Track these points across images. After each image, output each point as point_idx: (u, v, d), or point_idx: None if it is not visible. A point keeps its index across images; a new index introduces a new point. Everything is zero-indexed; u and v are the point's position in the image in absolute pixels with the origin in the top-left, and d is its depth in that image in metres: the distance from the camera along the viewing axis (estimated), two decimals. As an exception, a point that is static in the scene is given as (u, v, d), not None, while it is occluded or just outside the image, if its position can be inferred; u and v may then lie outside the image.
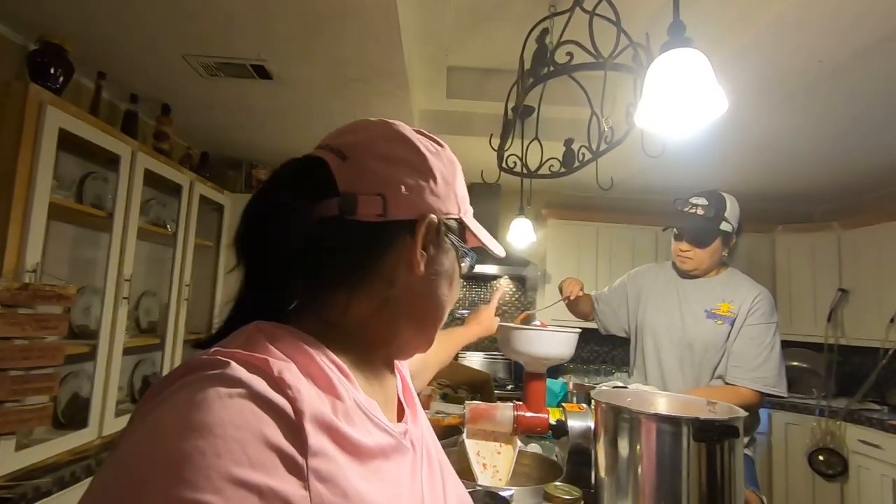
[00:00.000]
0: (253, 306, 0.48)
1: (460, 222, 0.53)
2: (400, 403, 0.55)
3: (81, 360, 1.89)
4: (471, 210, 0.56)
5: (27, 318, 1.42)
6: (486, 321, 1.29)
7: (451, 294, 0.53)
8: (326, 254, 0.46)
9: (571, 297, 1.83)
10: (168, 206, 2.49)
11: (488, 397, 1.66)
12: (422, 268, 0.48)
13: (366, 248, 0.47)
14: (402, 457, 0.46)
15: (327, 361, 0.43)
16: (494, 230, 3.55)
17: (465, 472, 1.18)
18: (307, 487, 0.34)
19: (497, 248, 0.59)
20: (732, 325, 1.56)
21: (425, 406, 1.60)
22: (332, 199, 0.46)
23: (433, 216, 0.48)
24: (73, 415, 1.85)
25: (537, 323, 1.34)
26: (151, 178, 2.17)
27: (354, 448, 0.39)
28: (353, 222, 0.46)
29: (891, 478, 2.50)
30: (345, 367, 0.44)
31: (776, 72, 1.82)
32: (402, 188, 0.47)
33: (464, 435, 1.20)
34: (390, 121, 0.52)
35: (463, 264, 0.54)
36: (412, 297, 0.49)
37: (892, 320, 2.82)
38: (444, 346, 1.12)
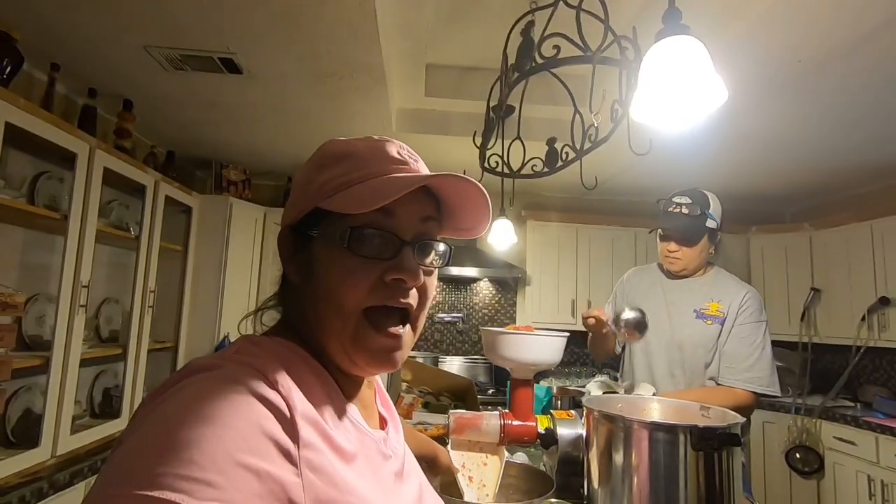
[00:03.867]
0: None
1: (316, 211, 0.48)
2: (380, 414, 0.58)
3: (34, 374, 1.75)
4: (349, 186, 0.47)
5: (-33, 330, 1.29)
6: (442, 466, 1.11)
7: (342, 283, 0.46)
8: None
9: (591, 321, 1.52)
10: (131, 208, 2.36)
11: (472, 404, 1.60)
12: (292, 276, 0.51)
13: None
14: (383, 461, 0.49)
15: (311, 367, 0.46)
16: (474, 232, 3.49)
17: (450, 486, 1.12)
18: (299, 475, 0.38)
19: (381, 192, 0.45)
20: (722, 325, 1.53)
21: (407, 415, 1.54)
22: None
23: (283, 230, 0.52)
24: (25, 433, 1.71)
25: None
26: (112, 178, 2.04)
27: (338, 448, 0.42)
28: None
29: (865, 473, 2.55)
30: (326, 373, 0.48)
31: (757, 70, 1.82)
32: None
33: (448, 446, 1.14)
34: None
35: (343, 242, 0.46)
36: (312, 305, 0.49)
37: (862, 318, 2.88)
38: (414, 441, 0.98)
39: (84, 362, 1.88)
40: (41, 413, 1.68)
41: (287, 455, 0.37)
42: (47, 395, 1.67)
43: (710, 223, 1.57)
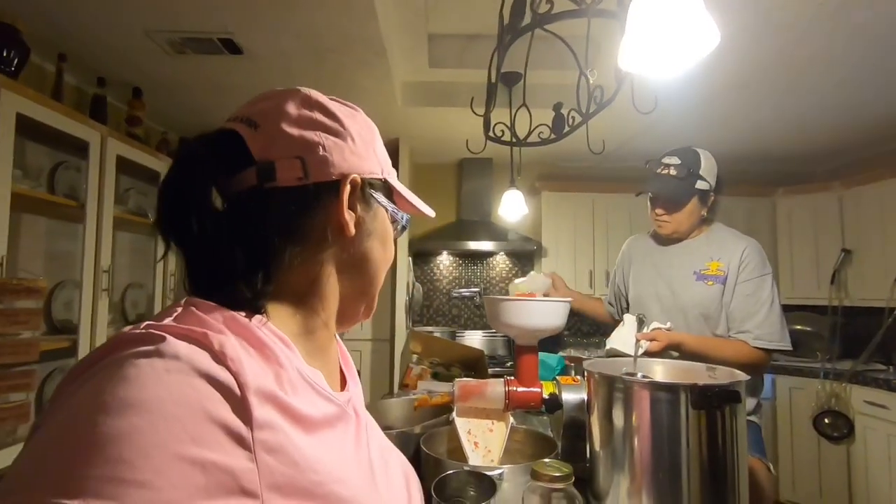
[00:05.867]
0: (200, 287, 0.45)
1: (385, 182, 0.53)
2: (342, 372, 0.56)
3: (65, 356, 1.84)
4: (394, 172, 0.55)
5: (-5, 314, 1.36)
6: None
7: (385, 255, 0.53)
8: (253, 225, 0.44)
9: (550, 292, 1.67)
10: (149, 195, 2.42)
11: (482, 374, 1.60)
12: (352, 228, 0.48)
13: (291, 214, 0.46)
14: (347, 424, 0.47)
15: (268, 332, 0.42)
16: (488, 204, 3.47)
17: (455, 452, 1.13)
18: (254, 460, 0.34)
19: (426, 209, 0.59)
20: (724, 283, 1.47)
21: (414, 386, 1.56)
22: (249, 168, 0.44)
23: (355, 175, 0.48)
24: (60, 411, 1.80)
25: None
26: (127, 166, 2.09)
27: (300, 418, 0.39)
28: (275, 190, 0.44)
29: (897, 437, 2.47)
30: (286, 337, 0.44)
31: (776, 14, 1.72)
32: (320, 149, 0.46)
33: (454, 413, 1.15)
34: (302, 88, 0.50)
35: (395, 225, 0.55)
36: (346, 259, 0.49)
37: (896, 279, 2.75)
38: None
39: (112, 344, 1.96)
40: (74, 392, 1.77)
41: (239, 440, 0.33)
42: (77, 375, 1.76)
43: (701, 184, 1.49)
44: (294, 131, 0.46)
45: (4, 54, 1.53)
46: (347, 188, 0.47)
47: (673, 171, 1.51)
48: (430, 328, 3.50)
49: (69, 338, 1.78)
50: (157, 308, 2.27)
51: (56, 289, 1.92)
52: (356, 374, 0.59)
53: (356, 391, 0.54)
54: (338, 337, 0.61)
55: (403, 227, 0.56)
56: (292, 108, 0.47)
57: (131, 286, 2.42)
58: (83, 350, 1.77)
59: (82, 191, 1.89)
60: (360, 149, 0.49)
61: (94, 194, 1.85)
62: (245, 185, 0.44)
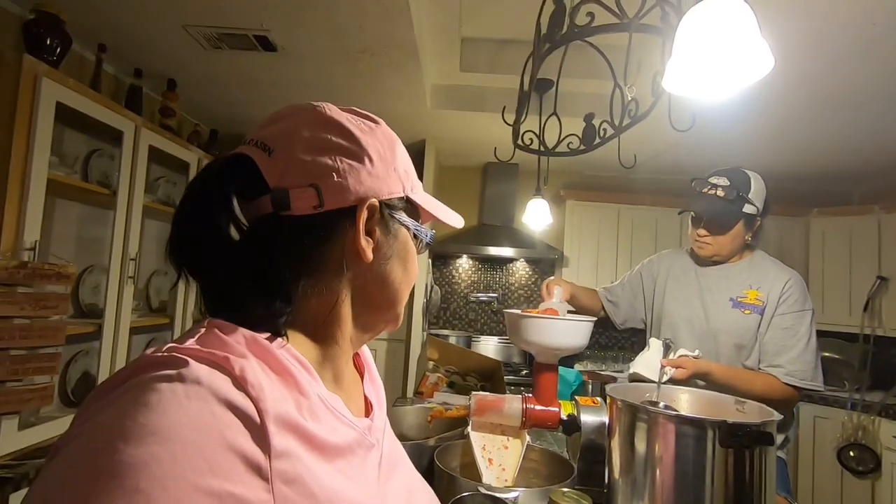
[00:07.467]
0: (217, 309, 0.45)
1: (407, 200, 0.51)
2: (367, 398, 0.54)
3: (90, 339, 1.88)
4: (419, 185, 0.53)
5: (26, 298, 1.39)
6: None
7: (407, 275, 0.52)
8: (269, 254, 0.44)
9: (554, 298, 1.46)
10: (178, 185, 2.46)
11: (498, 385, 1.58)
12: (369, 254, 0.46)
13: (307, 242, 0.45)
14: (367, 452, 0.46)
15: (288, 356, 0.41)
16: (511, 209, 3.44)
17: (469, 467, 1.11)
18: (271, 491, 0.33)
19: (454, 219, 0.57)
20: (762, 314, 1.42)
21: (429, 395, 1.55)
22: (264, 196, 0.44)
23: (373, 200, 0.46)
24: (83, 393, 1.85)
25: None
26: (159, 156, 2.12)
27: (320, 446, 0.39)
28: (290, 218, 0.44)
29: (928, 477, 2.37)
30: (307, 361, 0.43)
31: (823, 34, 1.65)
32: (335, 175, 0.45)
33: (469, 427, 1.13)
34: (317, 104, 0.48)
35: (418, 242, 0.53)
36: (365, 284, 0.48)
37: (935, 310, 2.64)
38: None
39: (135, 330, 2.00)
40: (97, 375, 1.81)
41: (257, 470, 0.33)
42: (100, 358, 1.79)
43: (749, 208, 1.43)
44: (308, 157, 0.44)
45: (48, 43, 1.56)
46: (364, 214, 0.45)
47: (720, 192, 1.44)
48: (446, 331, 3.48)
49: (94, 322, 1.81)
50: (180, 296, 2.31)
51: (85, 273, 1.97)
52: (384, 402, 0.57)
53: (379, 421, 0.52)
54: (370, 359, 0.59)
55: (427, 244, 0.54)
56: (306, 131, 0.45)
57: (156, 273, 2.46)
58: (107, 335, 1.81)
59: (115, 178, 1.92)
60: (379, 169, 0.47)
61: (125, 182, 1.88)
62: (261, 213, 0.44)
